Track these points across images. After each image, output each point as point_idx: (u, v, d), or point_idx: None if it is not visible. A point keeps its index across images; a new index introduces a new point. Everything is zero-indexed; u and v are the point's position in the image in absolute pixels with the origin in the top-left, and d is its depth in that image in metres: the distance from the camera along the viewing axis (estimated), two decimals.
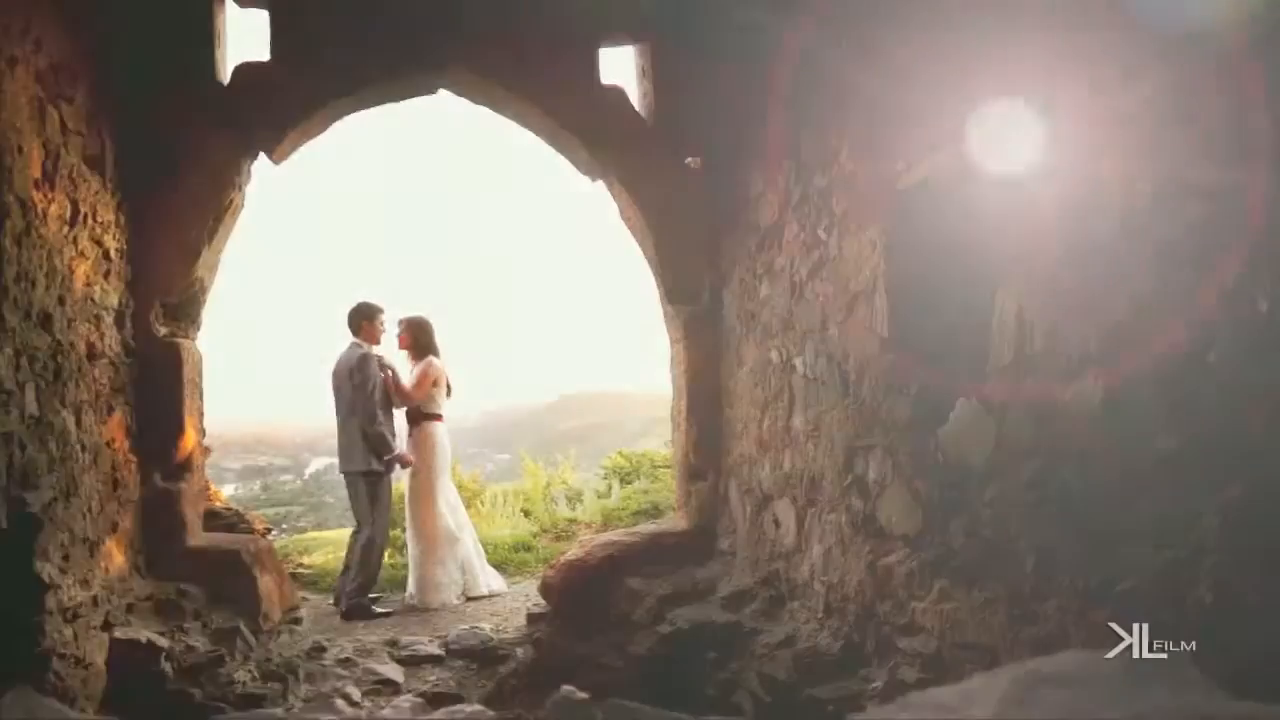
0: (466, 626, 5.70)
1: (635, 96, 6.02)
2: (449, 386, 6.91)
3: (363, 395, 6.34)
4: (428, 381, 6.70)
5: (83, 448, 4.20)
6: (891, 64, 3.77)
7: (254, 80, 5.35)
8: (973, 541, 3.23)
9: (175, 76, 5.20)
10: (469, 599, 6.55)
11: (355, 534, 6.52)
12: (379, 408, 6.40)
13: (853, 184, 4.11)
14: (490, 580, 6.81)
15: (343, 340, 6.72)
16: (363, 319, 6.63)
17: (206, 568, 5.10)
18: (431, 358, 6.76)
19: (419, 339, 6.81)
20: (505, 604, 6.44)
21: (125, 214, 4.95)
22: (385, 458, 6.45)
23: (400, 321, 6.86)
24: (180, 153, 5.18)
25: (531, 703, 4.87)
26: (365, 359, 6.44)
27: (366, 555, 6.33)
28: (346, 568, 6.48)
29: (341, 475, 6.78)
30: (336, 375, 6.58)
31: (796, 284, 4.71)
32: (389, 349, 6.85)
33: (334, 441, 6.78)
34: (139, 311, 5.05)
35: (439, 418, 6.78)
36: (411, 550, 6.61)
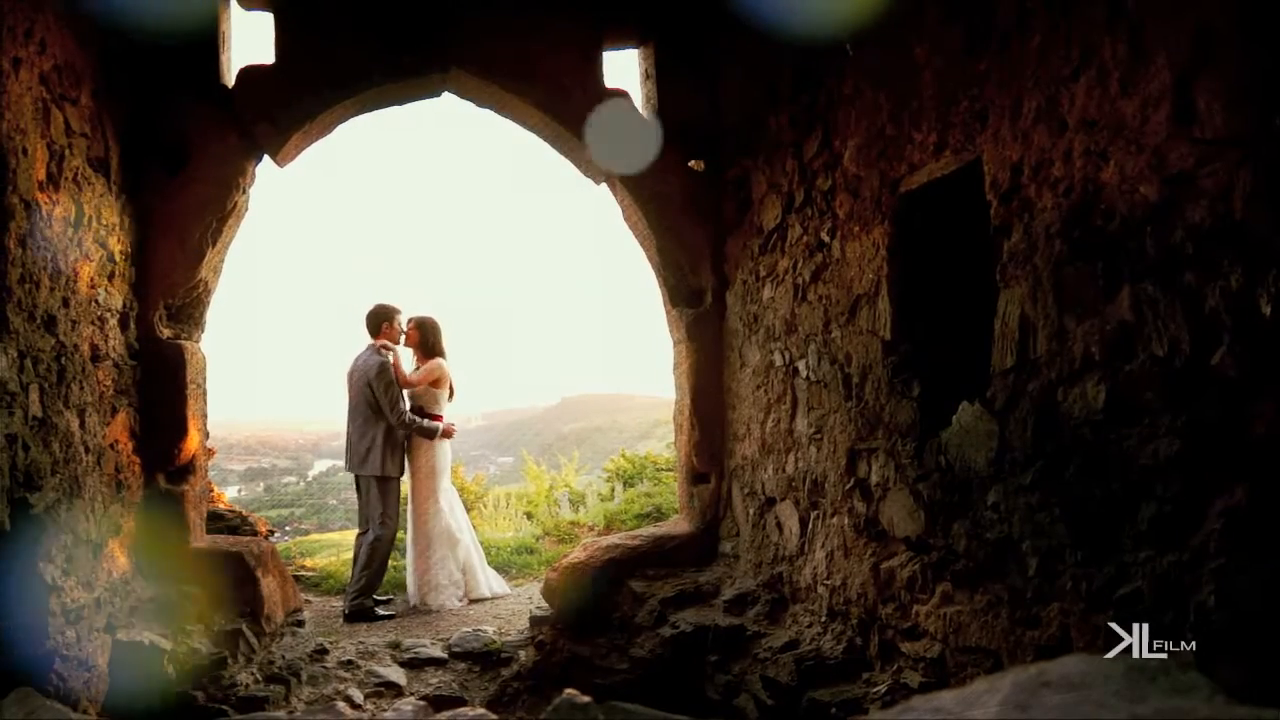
0: (469, 629, 5.70)
1: (638, 99, 6.03)
2: (452, 389, 6.92)
3: (388, 402, 6.41)
4: (430, 377, 6.72)
5: (86, 449, 4.20)
6: (896, 68, 3.77)
7: (258, 83, 5.36)
8: (975, 544, 3.23)
9: (180, 79, 5.21)
10: (470, 601, 6.55)
11: (360, 535, 6.54)
12: (402, 405, 6.52)
13: (856, 187, 4.11)
14: (492, 582, 6.81)
15: (352, 342, 6.79)
16: (382, 321, 6.69)
17: (209, 570, 5.10)
18: (439, 359, 6.78)
19: (426, 338, 6.82)
20: (508, 606, 6.44)
21: (130, 216, 4.97)
22: (439, 434, 6.63)
23: (410, 319, 6.89)
24: (185, 155, 5.19)
25: (534, 705, 4.87)
26: (384, 367, 6.47)
27: (371, 557, 6.35)
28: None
29: (349, 475, 6.81)
30: (352, 378, 6.61)
31: (799, 286, 4.71)
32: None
33: (336, 444, 6.81)
34: (143, 313, 5.06)
35: (438, 418, 6.78)
36: (410, 552, 6.63)
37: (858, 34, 4.05)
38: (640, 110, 5.94)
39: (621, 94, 5.86)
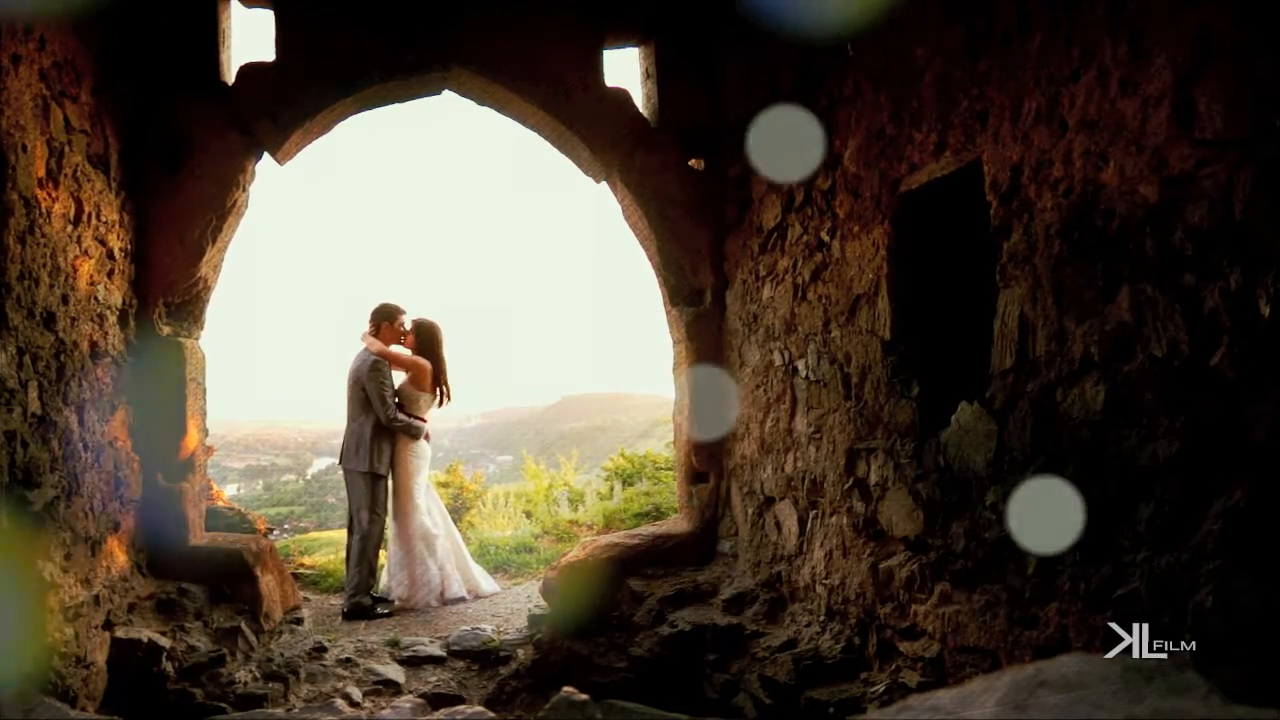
0: (468, 627, 5.70)
1: (639, 98, 6.03)
2: (445, 394, 6.88)
3: (378, 397, 6.44)
4: (409, 363, 6.71)
5: (85, 446, 4.20)
6: (897, 68, 3.77)
7: (259, 80, 5.36)
8: (974, 544, 3.23)
9: (180, 76, 5.22)
10: (445, 602, 6.53)
11: (350, 534, 6.55)
12: (391, 401, 6.54)
13: (856, 186, 4.11)
14: (480, 582, 6.78)
15: (351, 340, 6.81)
16: (382, 320, 6.71)
17: (208, 567, 5.10)
18: (427, 362, 6.76)
19: (420, 341, 6.82)
20: (506, 605, 6.44)
21: (129, 213, 4.96)
22: (422, 435, 6.69)
23: (413, 320, 6.91)
24: (185, 152, 5.19)
25: (532, 704, 4.87)
26: (376, 364, 6.51)
27: (362, 554, 6.36)
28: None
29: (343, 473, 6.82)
30: (349, 375, 6.65)
31: (799, 286, 4.71)
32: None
33: (335, 442, 6.83)
34: (142, 311, 5.07)
35: (422, 420, 6.77)
36: (391, 550, 6.65)
37: (859, 34, 4.05)
38: (641, 109, 5.94)
39: (623, 93, 5.86)
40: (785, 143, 4.78)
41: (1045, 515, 2.83)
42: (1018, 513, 2.97)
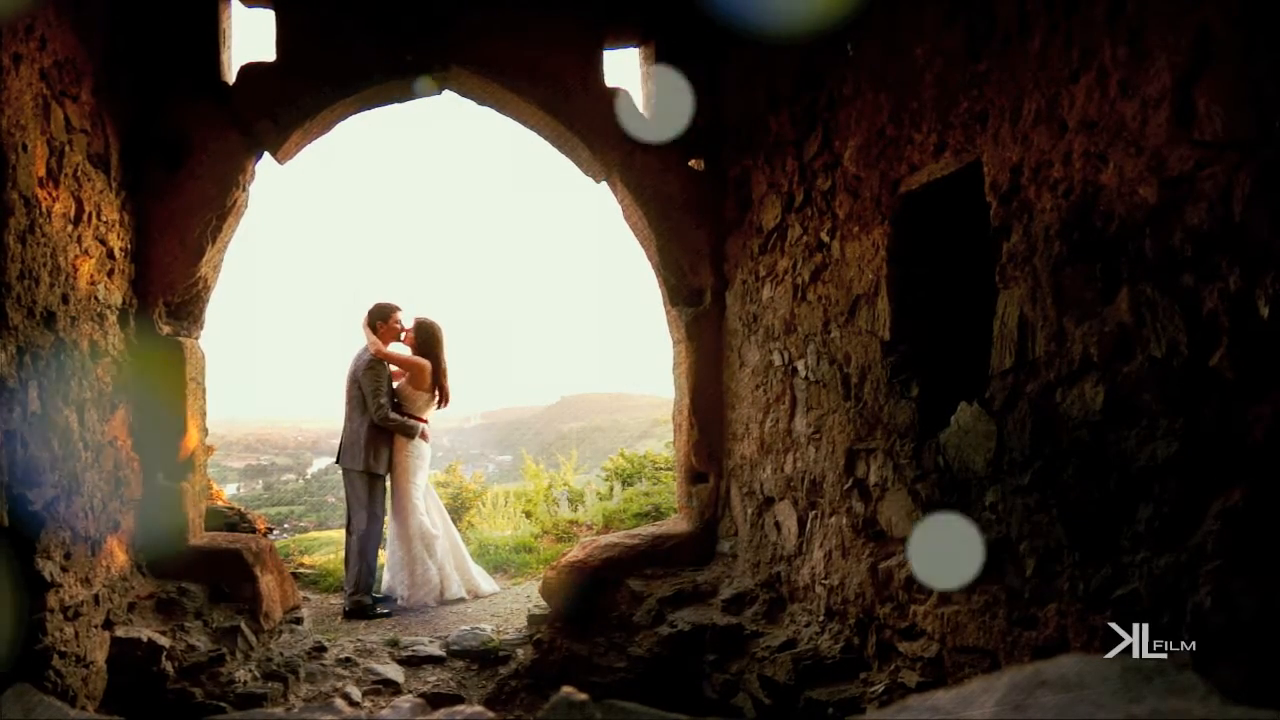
0: (467, 627, 5.70)
1: (639, 98, 6.03)
2: (445, 395, 6.88)
3: (371, 395, 6.45)
4: (405, 362, 6.72)
5: (85, 446, 4.20)
6: (896, 68, 3.78)
7: (259, 80, 5.36)
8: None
9: (181, 75, 5.22)
10: (442, 603, 6.54)
11: (349, 534, 6.56)
12: (390, 402, 6.54)
13: (856, 187, 4.11)
14: (479, 582, 6.79)
15: (351, 340, 6.84)
16: (377, 319, 6.72)
17: (208, 567, 5.10)
18: (425, 361, 6.76)
19: (420, 341, 6.82)
20: (506, 605, 6.44)
21: (129, 213, 4.97)
22: (417, 434, 6.65)
23: (414, 320, 6.91)
24: (185, 152, 5.19)
25: (532, 704, 4.88)
26: (372, 363, 6.53)
27: (361, 554, 6.37)
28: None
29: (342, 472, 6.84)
30: (349, 374, 6.67)
31: (799, 286, 4.71)
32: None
33: (335, 442, 6.85)
34: (142, 310, 5.07)
35: (421, 420, 6.78)
36: (390, 550, 6.67)
37: (858, 34, 4.05)
38: (641, 109, 5.94)
39: (622, 93, 5.86)
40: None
41: (946, 554, 2.92)
42: (918, 554, 3.09)
